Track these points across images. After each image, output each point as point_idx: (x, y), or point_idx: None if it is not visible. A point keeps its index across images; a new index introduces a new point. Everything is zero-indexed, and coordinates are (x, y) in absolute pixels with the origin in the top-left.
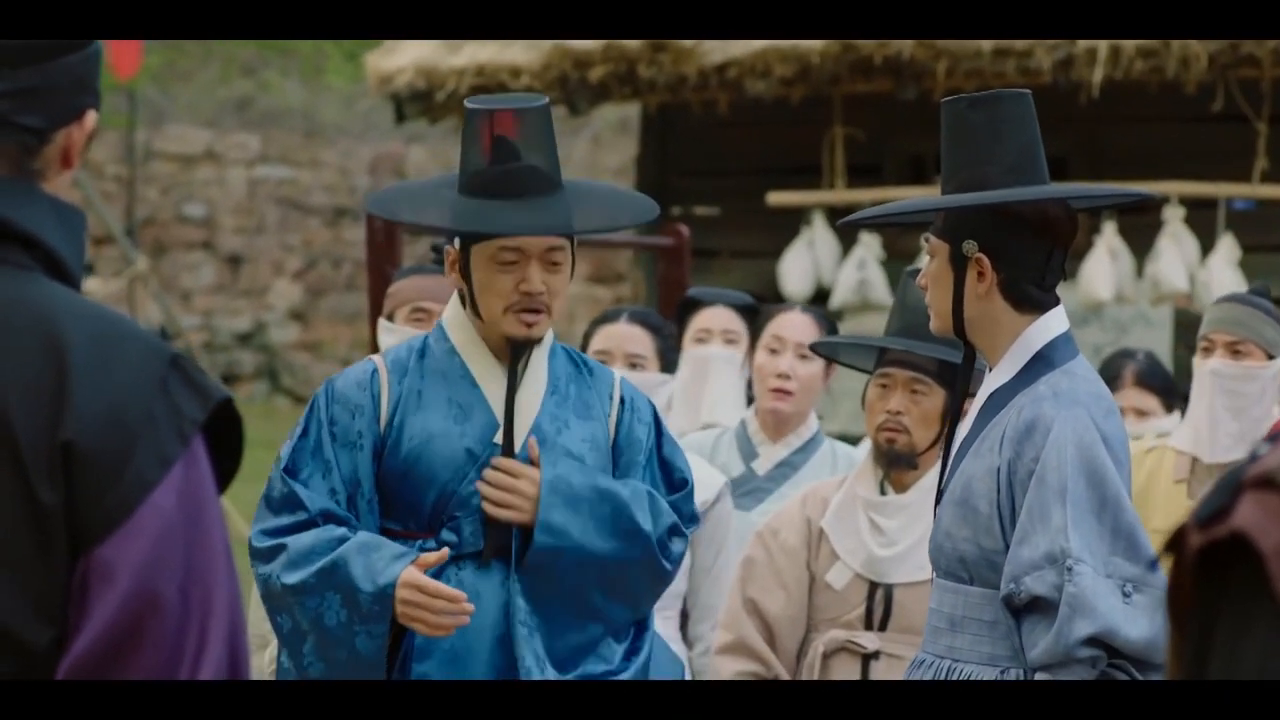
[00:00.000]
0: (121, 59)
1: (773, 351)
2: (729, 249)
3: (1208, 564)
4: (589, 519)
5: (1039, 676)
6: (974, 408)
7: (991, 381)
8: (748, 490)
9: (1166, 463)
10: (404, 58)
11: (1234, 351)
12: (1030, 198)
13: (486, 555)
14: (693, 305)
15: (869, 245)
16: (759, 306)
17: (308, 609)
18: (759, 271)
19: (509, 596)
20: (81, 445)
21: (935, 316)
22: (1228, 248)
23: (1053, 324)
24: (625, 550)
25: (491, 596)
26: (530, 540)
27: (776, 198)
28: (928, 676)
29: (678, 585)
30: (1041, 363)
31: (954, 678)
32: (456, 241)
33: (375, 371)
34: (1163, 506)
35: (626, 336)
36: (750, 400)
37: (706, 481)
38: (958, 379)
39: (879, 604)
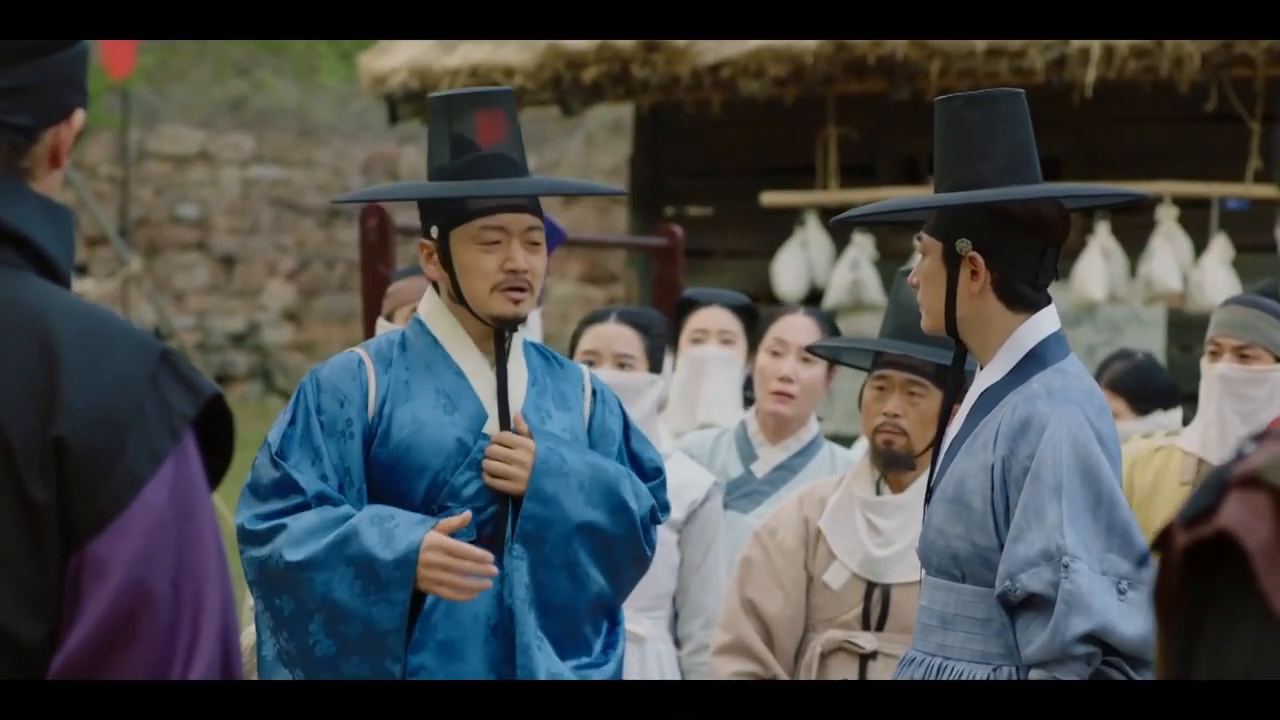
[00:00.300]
0: (115, 59)
1: (775, 354)
2: (722, 249)
3: (1194, 563)
4: (579, 491)
5: (1034, 674)
6: (965, 406)
7: (983, 380)
8: (746, 492)
9: (1174, 464)
10: (397, 58)
11: (1242, 356)
12: (1024, 196)
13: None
14: (689, 305)
15: (862, 245)
16: (755, 307)
17: (315, 585)
18: (752, 272)
19: (502, 584)
20: (73, 441)
21: (927, 315)
22: (1221, 247)
23: (1044, 323)
24: (613, 525)
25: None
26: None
27: (770, 198)
28: (918, 674)
29: (666, 584)
30: (1034, 361)
31: (945, 675)
32: (434, 231)
33: (361, 362)
34: (1168, 508)
35: (615, 336)
36: (747, 401)
37: (695, 481)
38: (949, 377)
39: (876, 604)
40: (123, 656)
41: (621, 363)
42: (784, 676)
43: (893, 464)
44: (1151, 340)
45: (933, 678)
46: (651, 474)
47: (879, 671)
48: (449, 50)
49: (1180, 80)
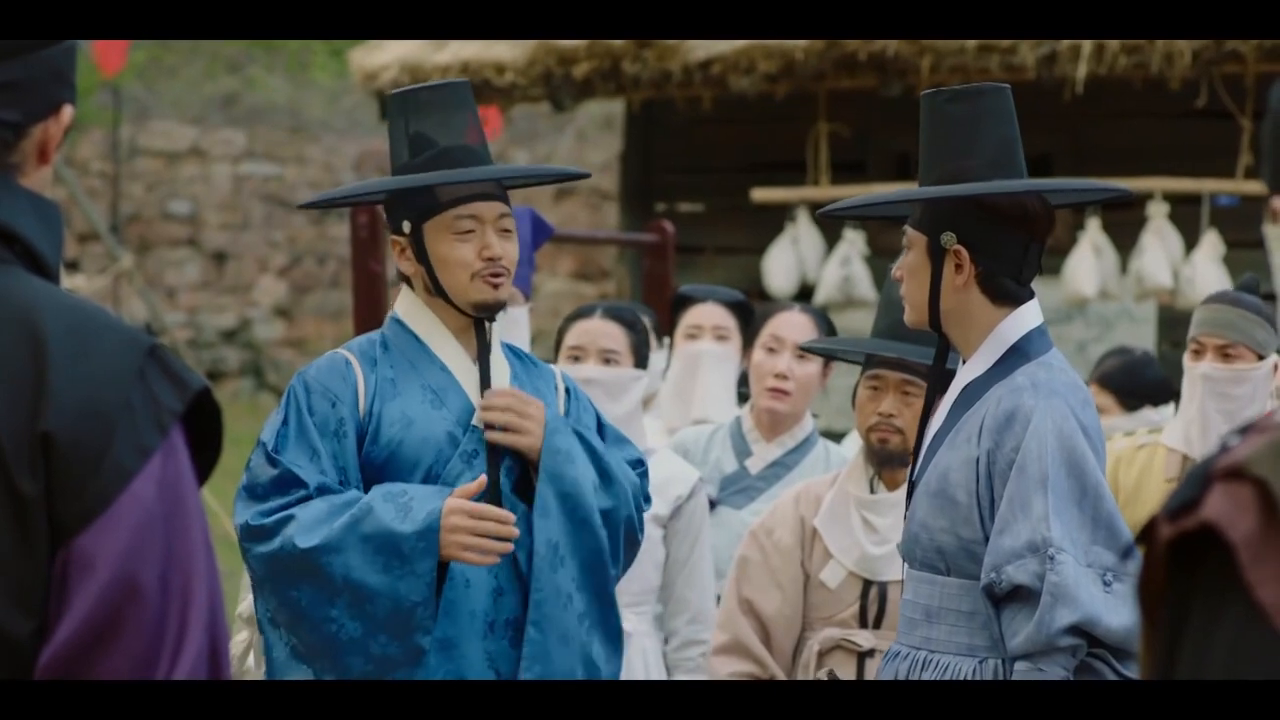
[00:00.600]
0: (107, 55)
1: (770, 351)
2: (713, 245)
3: (1179, 555)
4: (584, 455)
5: (1019, 665)
6: (947, 400)
7: (966, 374)
8: (740, 488)
9: (1158, 460)
10: (389, 55)
11: (1224, 355)
12: (1009, 190)
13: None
14: (684, 302)
15: (853, 241)
16: (750, 304)
17: (334, 568)
18: (744, 268)
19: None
20: (60, 436)
21: (910, 308)
22: (1211, 244)
23: (1028, 317)
24: (612, 495)
25: (481, 583)
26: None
27: (761, 194)
28: (903, 668)
29: (652, 580)
30: (1017, 355)
31: (930, 668)
32: (406, 227)
33: (348, 362)
34: (1153, 505)
35: (600, 332)
36: (742, 397)
37: (681, 476)
38: (933, 370)
39: (873, 602)
40: (110, 651)
41: (607, 358)
42: (781, 676)
43: (888, 462)
44: (1142, 336)
45: (918, 671)
46: (632, 465)
47: (877, 669)
48: (440, 47)
49: (1171, 77)
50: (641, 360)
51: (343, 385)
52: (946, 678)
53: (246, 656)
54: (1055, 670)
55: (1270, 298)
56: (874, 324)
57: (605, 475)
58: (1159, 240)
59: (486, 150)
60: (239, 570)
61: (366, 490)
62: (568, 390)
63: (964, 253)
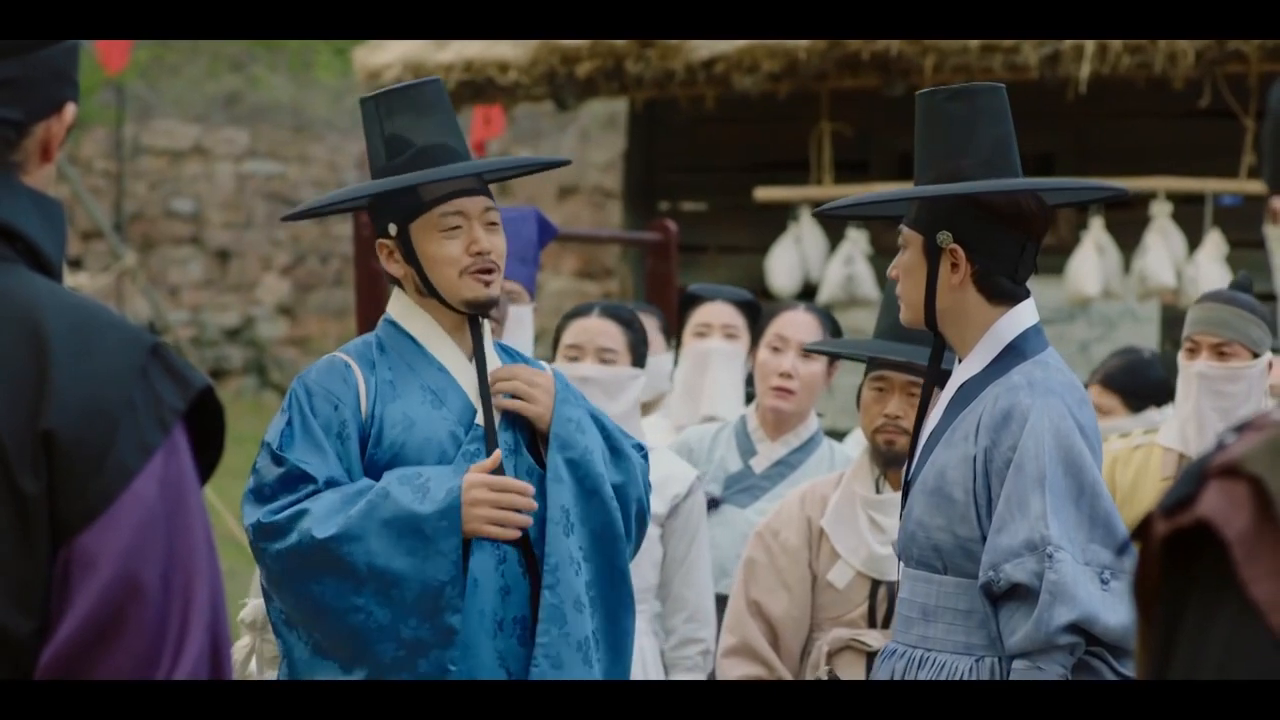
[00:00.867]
0: (110, 54)
1: (775, 350)
2: (716, 244)
3: (1174, 552)
4: (594, 427)
5: (1017, 664)
6: (943, 399)
7: (962, 373)
8: (744, 487)
9: (1154, 460)
10: (392, 53)
11: (1219, 353)
12: (1006, 189)
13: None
14: (693, 300)
15: (856, 241)
16: (758, 303)
17: (356, 557)
18: (746, 267)
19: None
20: (62, 434)
21: (906, 307)
22: (1215, 243)
23: (1024, 316)
24: (623, 470)
25: (489, 582)
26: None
27: (764, 193)
28: (899, 666)
29: (650, 578)
30: (1013, 354)
31: (927, 667)
32: (392, 229)
33: (348, 365)
34: (1150, 503)
35: (598, 331)
36: (750, 396)
37: (678, 475)
38: (929, 369)
39: (882, 601)
40: (112, 649)
41: (604, 357)
42: (789, 679)
43: (894, 463)
44: (1145, 336)
45: (914, 670)
46: (635, 449)
47: (873, 667)
48: (443, 45)
49: (1174, 76)
50: (639, 359)
51: (344, 388)
52: (943, 676)
53: (248, 662)
54: (1053, 668)
55: (1270, 298)
56: (876, 324)
57: (616, 450)
58: (1162, 240)
59: (465, 146)
60: (241, 569)
61: None
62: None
63: (960, 252)
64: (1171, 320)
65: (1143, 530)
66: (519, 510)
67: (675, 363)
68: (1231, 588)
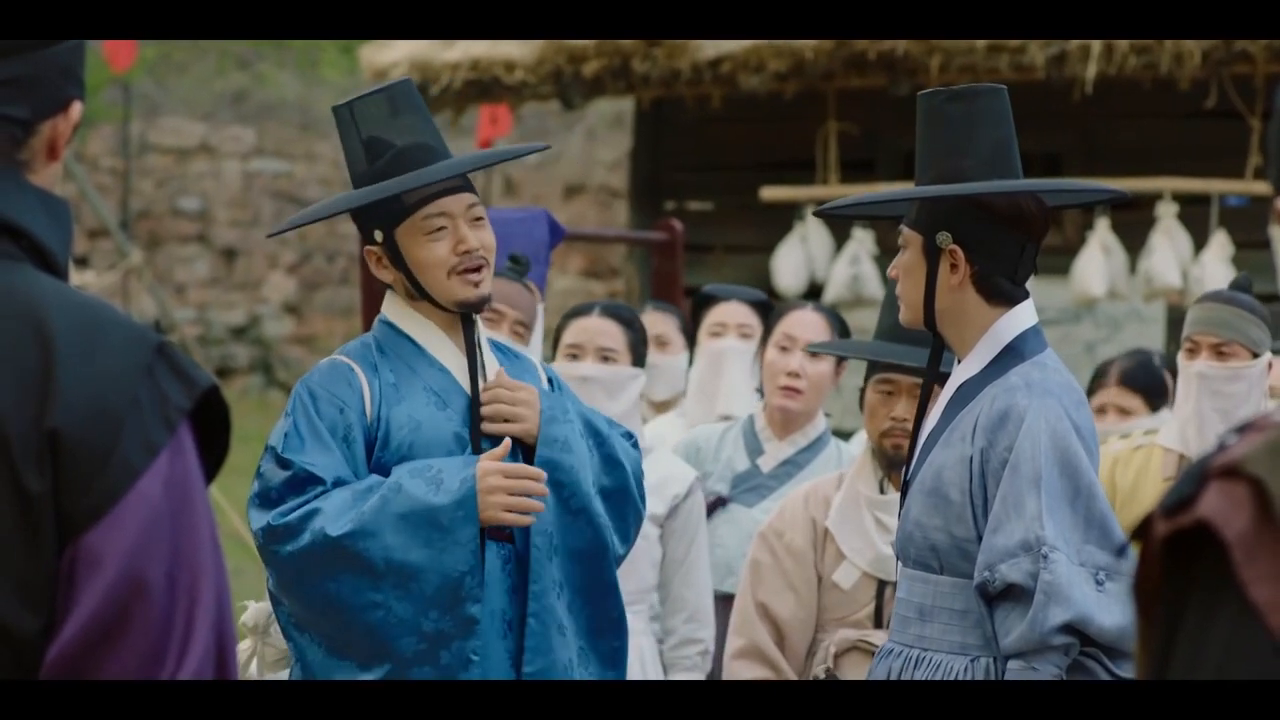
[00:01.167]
0: (117, 52)
1: (783, 349)
2: (723, 244)
3: (1174, 552)
4: (583, 439)
5: (1012, 664)
6: (942, 399)
7: (960, 373)
8: (751, 486)
9: (1155, 460)
10: (398, 52)
11: (1219, 353)
12: (1006, 190)
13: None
14: (708, 300)
15: (862, 240)
16: (772, 303)
17: (372, 552)
18: (752, 266)
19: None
20: (68, 433)
21: (906, 308)
22: (1220, 244)
23: (1023, 317)
24: (617, 475)
25: (496, 582)
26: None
27: (770, 193)
28: (896, 666)
29: (649, 579)
30: (1011, 355)
31: (923, 667)
32: (378, 235)
33: (351, 368)
34: (1150, 504)
35: (598, 330)
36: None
37: (678, 475)
38: (928, 369)
39: (888, 602)
40: (117, 648)
41: (605, 356)
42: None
43: (898, 466)
44: (1151, 337)
45: (910, 669)
46: (625, 438)
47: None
48: (449, 45)
49: (1180, 77)
50: (639, 359)
51: (349, 391)
52: (938, 676)
53: (249, 665)
54: (1048, 669)
55: (1275, 298)
56: (877, 324)
57: (609, 457)
58: (1168, 240)
59: (443, 144)
60: (247, 568)
61: None
62: (550, 381)
63: (959, 252)
64: (1177, 321)
65: (1143, 531)
66: (534, 496)
67: (691, 361)
68: (1231, 589)
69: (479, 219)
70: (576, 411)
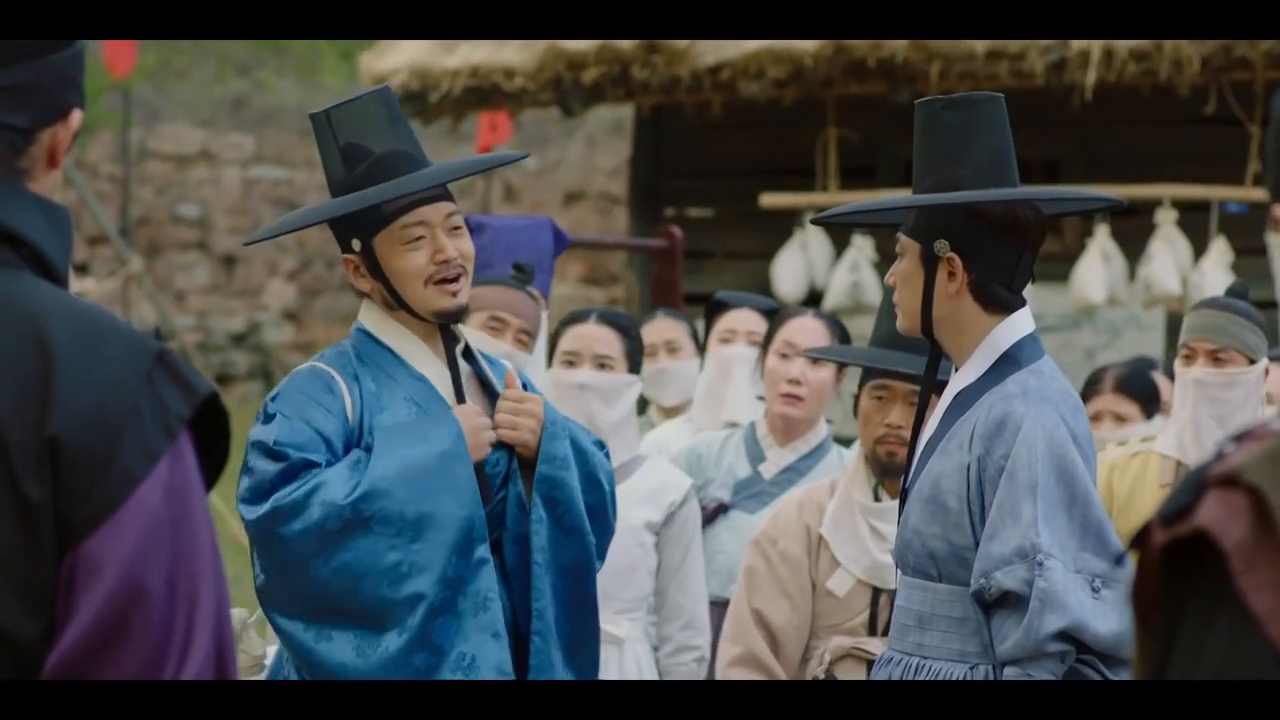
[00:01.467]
0: (116, 58)
1: (784, 356)
2: (722, 251)
3: (1172, 561)
4: (575, 456)
5: (1008, 671)
6: (940, 407)
7: (958, 381)
8: (753, 493)
9: (1152, 467)
10: (398, 58)
11: (1215, 359)
12: (1004, 198)
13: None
14: (720, 307)
15: (862, 247)
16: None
17: (388, 511)
18: (752, 273)
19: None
20: (68, 441)
21: (903, 315)
22: (1220, 251)
23: (1020, 324)
24: (599, 492)
25: (496, 598)
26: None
27: (770, 199)
28: (896, 674)
29: (645, 587)
30: (1009, 363)
31: (923, 674)
32: (356, 245)
33: (331, 375)
34: (1147, 511)
35: (595, 337)
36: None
37: (674, 483)
38: (925, 377)
39: (883, 609)
40: (117, 655)
41: (601, 363)
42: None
43: (892, 473)
44: (1150, 343)
45: (910, 677)
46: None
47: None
48: (449, 51)
49: (1180, 83)
50: (635, 366)
51: (330, 398)
52: None
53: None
54: (1044, 676)
55: (1273, 305)
56: (874, 331)
57: (590, 474)
58: (1167, 247)
59: (421, 152)
60: (246, 574)
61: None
62: (524, 386)
63: (957, 260)
64: (1176, 328)
65: (1141, 539)
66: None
67: (701, 367)
68: (1229, 597)
69: (457, 228)
70: (562, 424)
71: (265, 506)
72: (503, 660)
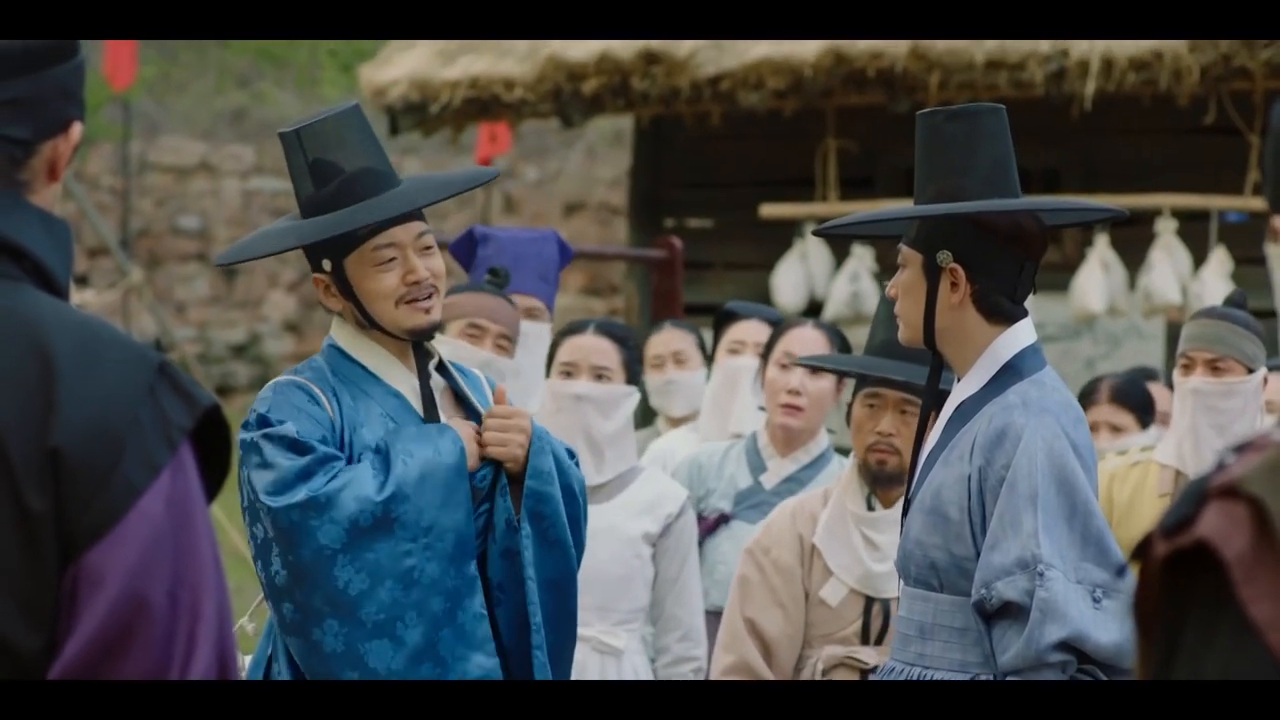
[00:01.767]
0: (116, 70)
1: (784, 367)
2: (722, 261)
3: (1173, 572)
4: (559, 472)
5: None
6: (941, 418)
7: (960, 391)
8: (754, 503)
9: (1151, 477)
10: (398, 70)
11: (1214, 369)
12: (1006, 209)
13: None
14: (729, 317)
15: (862, 258)
16: None
17: (409, 514)
18: (752, 283)
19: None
20: (70, 452)
21: (905, 326)
22: (1220, 260)
23: (1021, 335)
24: (576, 505)
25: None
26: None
27: (769, 210)
28: None
29: (642, 598)
30: (1010, 373)
31: None
32: (326, 265)
33: (311, 388)
34: (1147, 521)
35: (593, 348)
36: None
37: (671, 495)
38: (927, 388)
39: (876, 618)
40: (119, 665)
41: (599, 374)
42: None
43: (883, 482)
44: (1150, 353)
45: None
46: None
47: None
48: (449, 62)
49: (1179, 93)
50: (633, 377)
51: (316, 408)
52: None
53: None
54: None
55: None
56: (868, 340)
57: (567, 487)
58: (1167, 256)
59: (391, 169)
60: (248, 585)
61: None
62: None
63: (960, 271)
64: (1177, 337)
65: (1142, 550)
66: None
67: (709, 377)
68: (1231, 607)
69: (429, 248)
70: (546, 438)
71: (299, 494)
72: (496, 676)
